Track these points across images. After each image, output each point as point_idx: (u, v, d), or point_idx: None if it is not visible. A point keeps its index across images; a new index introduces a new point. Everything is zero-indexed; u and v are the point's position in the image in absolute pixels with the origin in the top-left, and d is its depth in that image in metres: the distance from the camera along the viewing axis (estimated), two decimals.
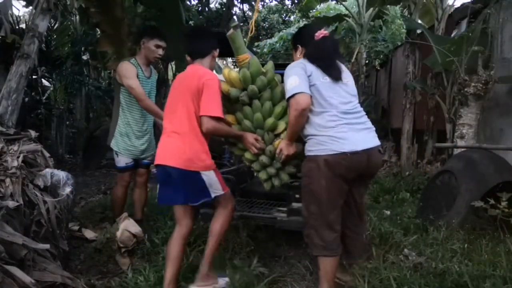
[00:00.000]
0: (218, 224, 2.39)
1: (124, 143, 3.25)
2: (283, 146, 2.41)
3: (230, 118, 2.56)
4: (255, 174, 2.73)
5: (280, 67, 3.19)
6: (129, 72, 3.12)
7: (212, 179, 2.34)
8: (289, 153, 2.40)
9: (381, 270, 2.56)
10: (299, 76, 2.22)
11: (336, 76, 2.31)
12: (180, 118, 2.33)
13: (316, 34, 2.37)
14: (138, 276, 2.54)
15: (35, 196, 2.52)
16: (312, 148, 2.23)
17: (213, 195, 2.36)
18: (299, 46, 2.49)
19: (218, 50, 2.55)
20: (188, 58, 2.53)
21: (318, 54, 2.33)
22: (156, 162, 2.38)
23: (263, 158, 2.53)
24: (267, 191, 2.77)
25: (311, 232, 2.26)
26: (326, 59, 2.33)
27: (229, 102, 2.58)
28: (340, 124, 2.20)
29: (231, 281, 2.44)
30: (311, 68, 2.29)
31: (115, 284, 2.53)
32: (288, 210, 2.78)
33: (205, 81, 2.30)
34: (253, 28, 2.72)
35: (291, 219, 2.75)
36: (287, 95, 2.23)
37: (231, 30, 2.45)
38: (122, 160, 3.28)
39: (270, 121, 2.50)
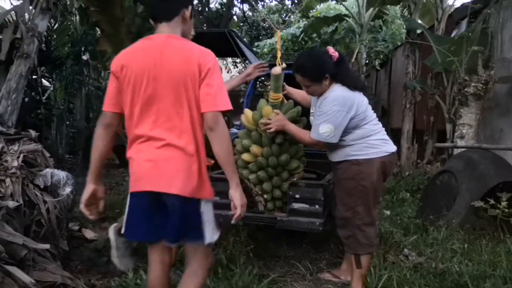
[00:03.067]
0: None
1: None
2: (276, 124, 2.49)
3: (258, 150, 2.74)
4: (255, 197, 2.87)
5: None
6: None
7: (210, 214, 1.68)
8: (277, 129, 2.51)
9: (381, 270, 2.57)
10: (338, 128, 2.25)
11: (363, 87, 2.46)
12: (176, 120, 1.61)
13: (331, 54, 2.34)
14: (138, 276, 2.54)
15: (35, 196, 2.52)
16: (363, 152, 2.30)
17: (207, 239, 1.64)
18: (328, 76, 2.32)
19: (190, 9, 1.75)
20: (152, 23, 1.75)
21: (347, 75, 2.36)
22: (143, 187, 1.61)
23: (277, 192, 2.78)
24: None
25: (356, 232, 2.33)
26: (352, 75, 2.42)
27: (259, 135, 2.77)
28: (381, 128, 2.40)
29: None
30: (353, 100, 2.27)
31: (115, 284, 2.53)
32: (288, 210, 2.78)
33: (209, 66, 1.60)
34: (280, 62, 2.63)
35: (291, 219, 2.75)
36: (314, 136, 2.32)
37: (279, 69, 2.54)
38: None
39: (294, 164, 2.79)
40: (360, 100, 2.33)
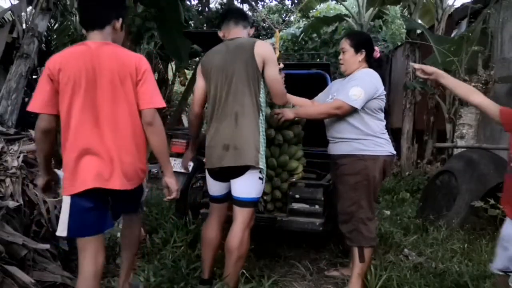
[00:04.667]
0: (134, 235, 2.15)
1: (264, 159, 2.28)
2: (288, 113, 2.54)
3: None
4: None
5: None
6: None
7: (145, 189, 2.15)
8: (288, 118, 2.54)
9: (381, 270, 2.57)
10: (366, 95, 2.35)
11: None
12: (116, 119, 1.78)
13: (376, 50, 2.55)
14: (138, 276, 2.54)
15: (35, 196, 2.52)
16: (370, 148, 2.40)
17: (144, 207, 2.27)
18: (364, 51, 2.49)
19: (121, 20, 1.89)
20: (84, 32, 1.88)
21: (379, 70, 2.53)
22: (92, 185, 1.72)
23: (277, 193, 2.79)
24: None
25: (360, 226, 2.41)
26: (383, 76, 2.55)
27: None
28: (386, 131, 2.52)
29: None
30: (381, 82, 2.46)
31: (115, 284, 2.53)
32: (288, 210, 2.78)
33: (145, 68, 1.82)
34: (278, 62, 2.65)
35: (291, 219, 2.75)
36: (342, 98, 2.38)
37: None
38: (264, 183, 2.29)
39: (294, 164, 2.83)
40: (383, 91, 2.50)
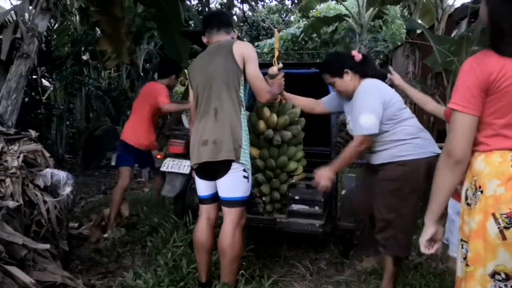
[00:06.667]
0: None
1: (248, 154, 2.25)
2: (325, 175, 2.32)
3: (255, 152, 2.73)
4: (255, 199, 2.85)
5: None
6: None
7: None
8: (327, 185, 2.32)
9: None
10: (376, 115, 2.23)
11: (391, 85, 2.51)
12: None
13: (354, 55, 2.44)
14: (138, 277, 2.54)
15: (35, 196, 2.52)
16: (409, 152, 2.25)
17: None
18: (347, 70, 2.39)
19: (175, 75, 3.78)
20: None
21: (375, 71, 2.48)
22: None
23: (276, 194, 2.79)
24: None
25: (397, 235, 2.28)
26: (381, 72, 2.50)
27: (257, 137, 2.77)
28: (422, 129, 2.37)
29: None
30: (386, 89, 2.37)
31: (115, 284, 2.53)
32: (288, 212, 2.77)
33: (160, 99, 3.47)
34: (277, 62, 2.61)
35: (290, 221, 2.74)
36: (358, 131, 2.26)
37: (275, 69, 2.53)
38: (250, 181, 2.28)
39: (292, 165, 2.80)
40: (392, 90, 2.38)
